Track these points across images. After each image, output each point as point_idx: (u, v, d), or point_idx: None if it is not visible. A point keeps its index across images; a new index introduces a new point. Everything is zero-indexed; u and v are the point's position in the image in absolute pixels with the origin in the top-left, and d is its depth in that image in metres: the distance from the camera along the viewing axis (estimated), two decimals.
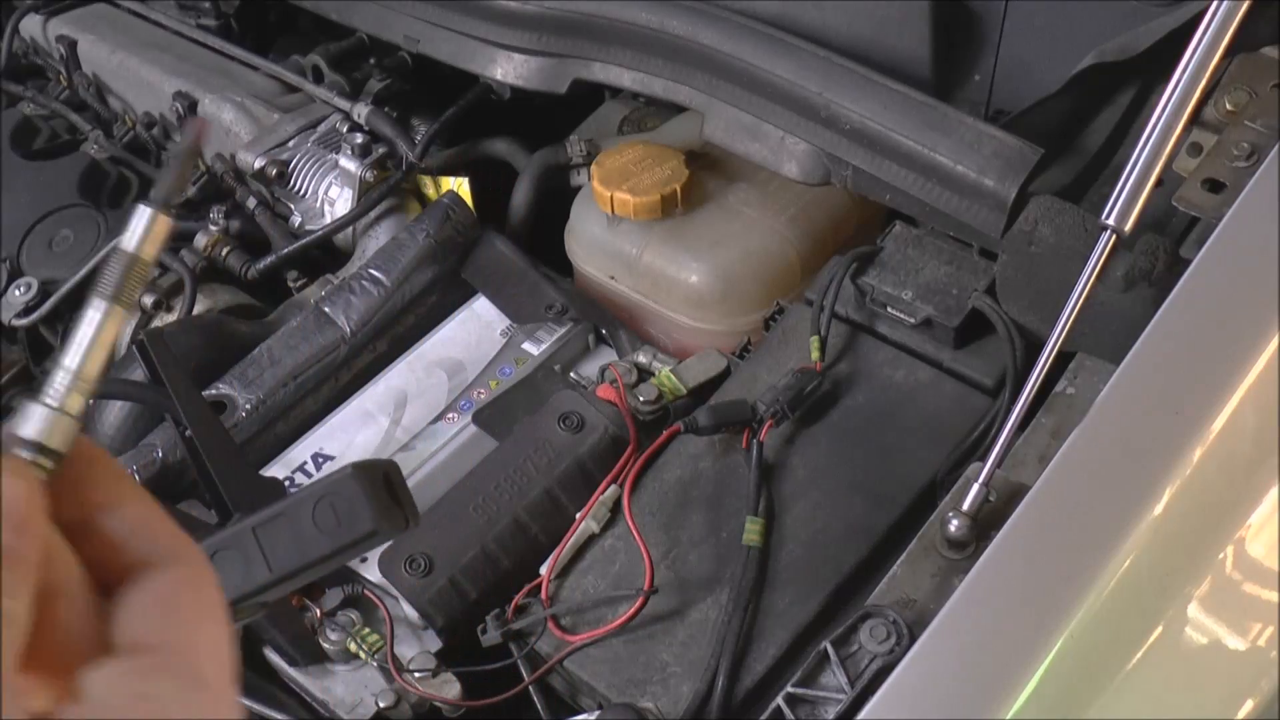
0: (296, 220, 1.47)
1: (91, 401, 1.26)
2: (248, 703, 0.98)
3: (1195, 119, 1.00)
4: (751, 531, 1.00)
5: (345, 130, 1.49)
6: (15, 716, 0.40)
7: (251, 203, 1.46)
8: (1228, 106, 1.01)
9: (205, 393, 1.19)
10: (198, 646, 0.44)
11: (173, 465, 1.16)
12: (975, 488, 0.86)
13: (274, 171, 1.46)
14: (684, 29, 1.26)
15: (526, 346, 1.27)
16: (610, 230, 1.33)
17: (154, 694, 0.43)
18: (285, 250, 1.41)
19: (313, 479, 1.16)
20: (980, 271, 1.15)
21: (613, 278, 1.36)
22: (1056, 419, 0.98)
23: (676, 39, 1.26)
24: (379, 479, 0.60)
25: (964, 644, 0.73)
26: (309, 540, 0.58)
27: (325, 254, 1.48)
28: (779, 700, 0.85)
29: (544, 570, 1.02)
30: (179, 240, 1.45)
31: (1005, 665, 0.70)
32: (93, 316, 0.45)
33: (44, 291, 1.42)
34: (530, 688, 0.99)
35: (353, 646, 1.02)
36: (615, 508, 1.05)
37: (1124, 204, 0.87)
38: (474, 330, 1.30)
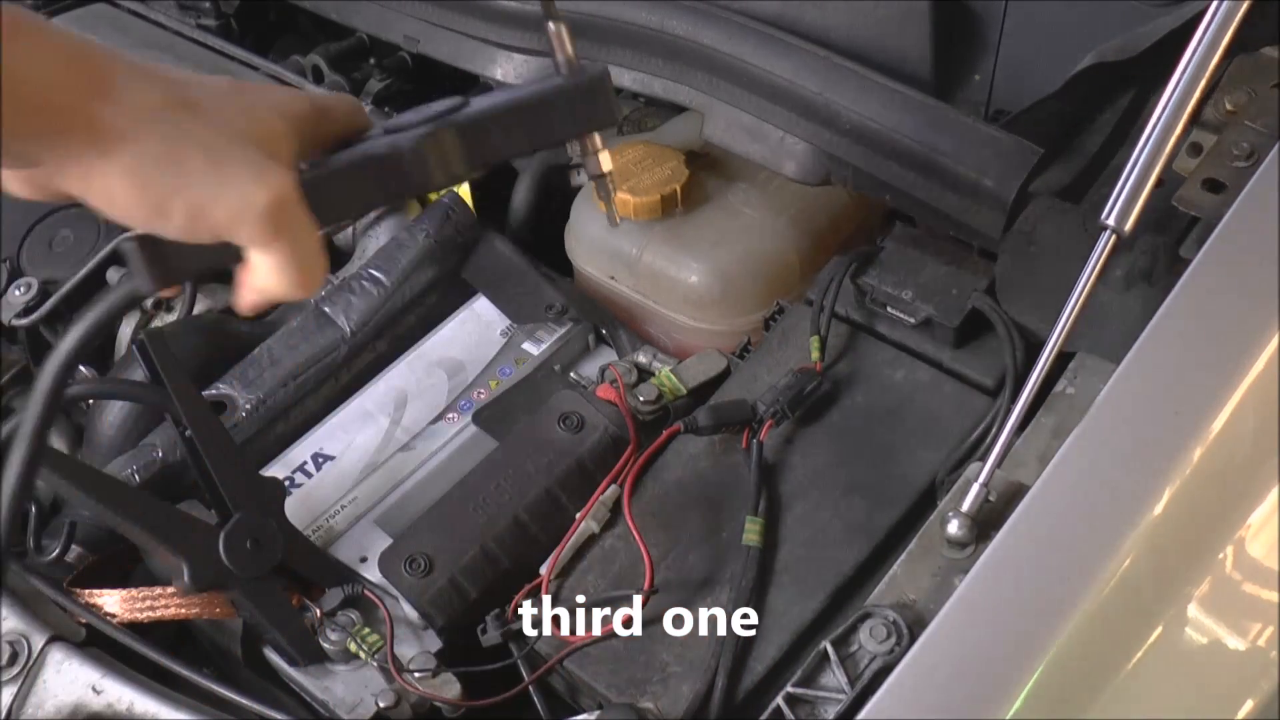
0: None
1: (90, 403, 1.27)
2: (248, 703, 0.98)
3: (1195, 119, 1.00)
4: (751, 531, 1.00)
5: None
6: None
7: None
8: (1228, 106, 1.01)
9: (205, 393, 1.19)
10: None
11: (173, 465, 1.16)
12: (975, 488, 0.86)
13: None
14: (684, 29, 1.26)
15: (526, 346, 1.27)
16: (610, 230, 1.33)
17: None
18: None
19: (313, 477, 1.17)
20: (980, 271, 1.15)
21: (613, 278, 1.36)
22: (1056, 419, 0.98)
23: (676, 39, 1.26)
24: None
25: (964, 644, 0.73)
26: None
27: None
28: (779, 700, 0.85)
29: (544, 570, 1.02)
30: None
31: (1005, 665, 0.70)
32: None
33: (44, 291, 1.42)
34: (530, 688, 0.99)
35: (353, 646, 1.02)
36: (615, 508, 1.05)
37: (1124, 204, 0.87)
38: (474, 330, 1.30)
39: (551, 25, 0.80)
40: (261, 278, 0.70)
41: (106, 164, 0.65)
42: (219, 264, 0.71)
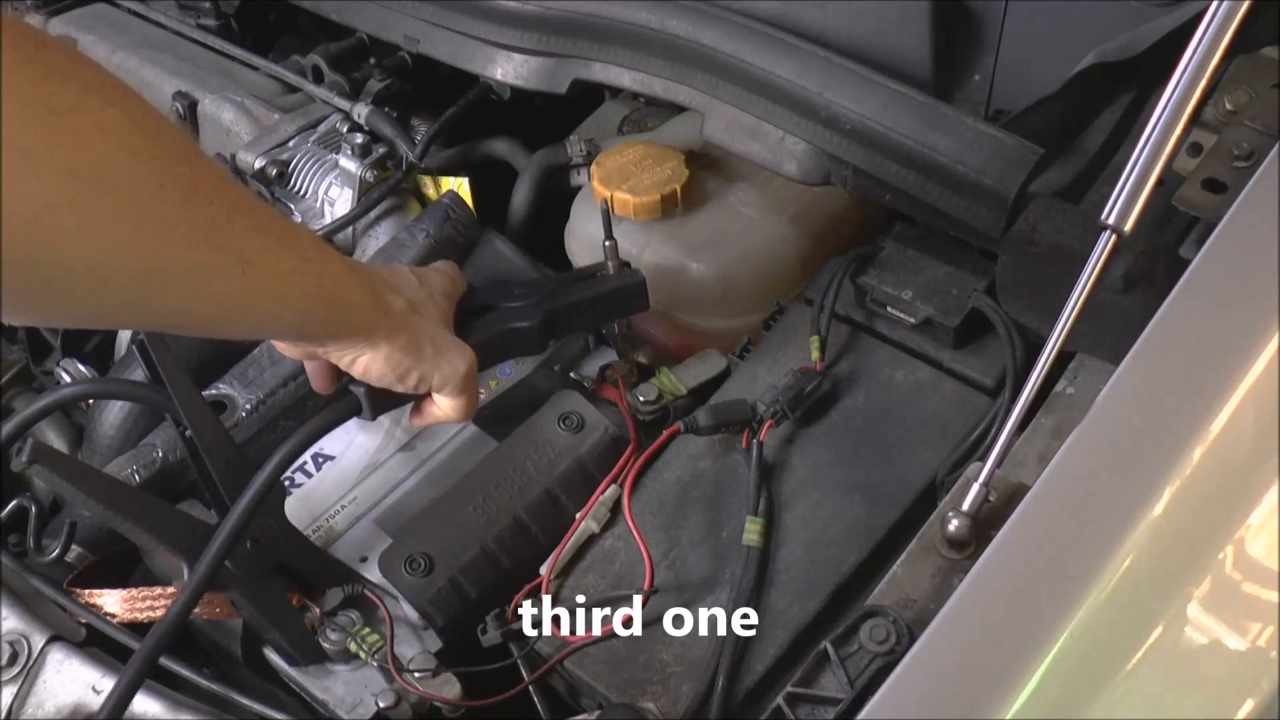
0: (297, 220, 1.47)
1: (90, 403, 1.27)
2: (248, 703, 0.98)
3: (1195, 119, 1.00)
4: (751, 531, 1.01)
5: (345, 130, 1.48)
6: None
7: None
8: (1228, 106, 1.01)
9: (205, 393, 1.19)
10: None
11: (173, 465, 1.16)
12: (975, 488, 0.86)
13: (274, 171, 1.46)
14: (684, 29, 1.26)
15: None
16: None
17: None
18: None
19: (313, 477, 1.17)
20: (980, 271, 1.15)
21: None
22: (1056, 419, 0.98)
23: (676, 39, 1.26)
24: None
25: (964, 644, 0.73)
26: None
27: None
28: (779, 700, 0.85)
29: (544, 570, 1.02)
30: None
31: (1005, 665, 0.70)
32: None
33: None
34: (530, 688, 0.99)
35: (353, 646, 1.02)
36: (615, 508, 1.05)
37: (1124, 204, 0.87)
38: None
39: (606, 242, 1.14)
40: (445, 413, 1.01)
41: (373, 352, 0.93)
42: (409, 399, 1.01)
